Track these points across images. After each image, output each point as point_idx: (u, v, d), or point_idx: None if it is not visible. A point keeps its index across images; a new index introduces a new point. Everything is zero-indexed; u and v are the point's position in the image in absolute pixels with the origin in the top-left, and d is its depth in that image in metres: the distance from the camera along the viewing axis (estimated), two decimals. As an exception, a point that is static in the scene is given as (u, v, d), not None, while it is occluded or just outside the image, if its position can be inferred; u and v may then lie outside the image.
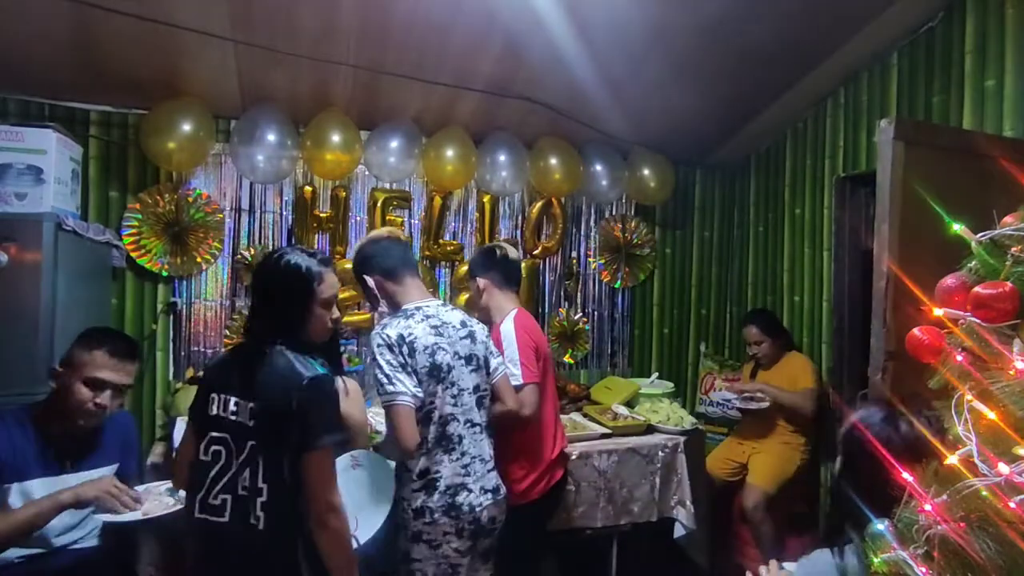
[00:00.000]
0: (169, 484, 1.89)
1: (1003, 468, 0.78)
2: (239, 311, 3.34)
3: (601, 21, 2.66)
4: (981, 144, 2.19)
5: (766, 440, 3.30)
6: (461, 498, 1.92)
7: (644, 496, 2.84)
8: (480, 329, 2.14)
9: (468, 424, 1.99)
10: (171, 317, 3.26)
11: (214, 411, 1.55)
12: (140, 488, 1.96)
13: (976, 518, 0.77)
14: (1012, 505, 0.75)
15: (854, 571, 1.21)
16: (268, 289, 1.63)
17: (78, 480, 1.85)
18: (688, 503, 2.89)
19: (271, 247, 3.37)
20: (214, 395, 1.56)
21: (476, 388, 2.04)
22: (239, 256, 3.31)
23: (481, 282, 2.42)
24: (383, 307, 2.12)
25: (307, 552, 1.50)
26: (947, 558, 0.77)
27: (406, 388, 1.85)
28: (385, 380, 1.85)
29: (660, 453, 2.87)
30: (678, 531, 2.91)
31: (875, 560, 0.88)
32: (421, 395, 1.87)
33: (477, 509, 1.94)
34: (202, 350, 3.31)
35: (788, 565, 1.42)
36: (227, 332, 3.33)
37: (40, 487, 1.80)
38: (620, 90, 3.15)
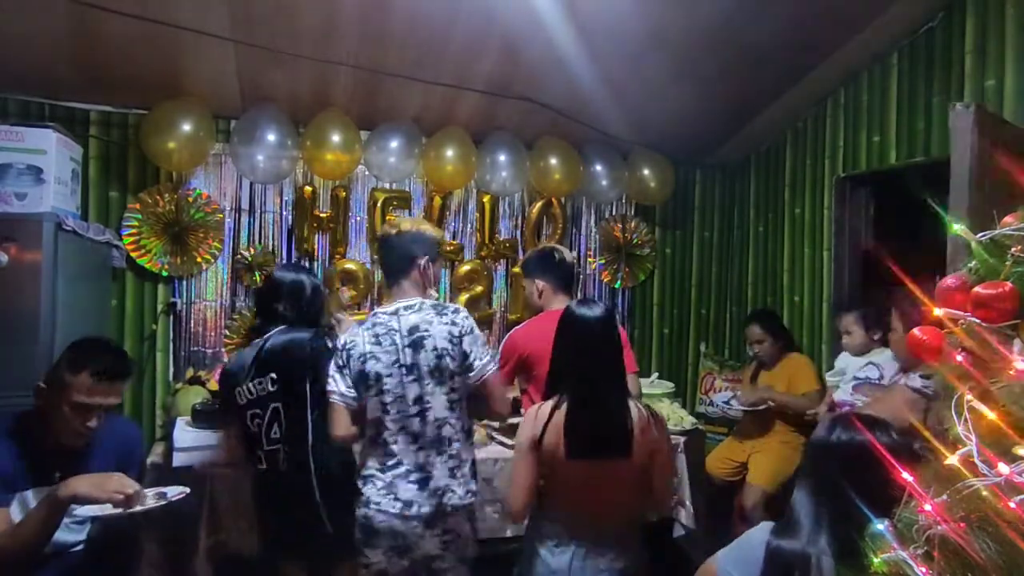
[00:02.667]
0: (159, 489, 1.82)
1: (1003, 468, 0.78)
2: (239, 311, 3.34)
3: (601, 21, 2.66)
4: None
5: (766, 440, 3.30)
6: None
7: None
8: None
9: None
10: (171, 317, 3.26)
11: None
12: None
13: (976, 518, 0.77)
14: (1012, 505, 0.75)
15: (787, 551, 1.32)
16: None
17: None
18: (688, 503, 2.89)
19: (271, 247, 3.38)
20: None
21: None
22: (239, 256, 3.31)
23: (540, 284, 2.54)
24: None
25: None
26: (947, 558, 0.77)
27: None
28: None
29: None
30: (678, 531, 2.90)
31: (875, 560, 0.88)
32: None
33: None
34: (202, 350, 3.30)
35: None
36: (227, 332, 3.32)
37: (35, 496, 1.74)
38: (620, 90, 3.15)
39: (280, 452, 2.03)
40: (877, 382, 2.83)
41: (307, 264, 3.44)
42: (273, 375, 2.04)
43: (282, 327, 2.10)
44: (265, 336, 2.09)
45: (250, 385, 2.06)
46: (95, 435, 1.84)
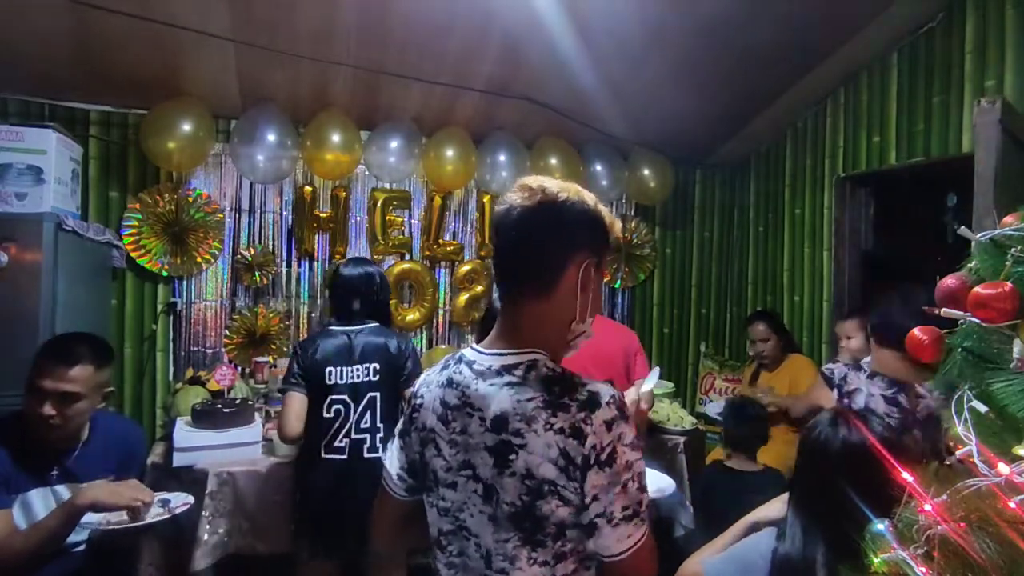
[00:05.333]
0: (161, 495, 1.81)
1: (1003, 468, 0.78)
2: (239, 311, 3.34)
3: (601, 21, 2.66)
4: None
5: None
6: None
7: (644, 496, 2.83)
8: None
9: None
10: (171, 317, 3.26)
11: None
12: None
13: (976, 518, 0.77)
14: (1012, 505, 0.75)
15: (783, 558, 1.29)
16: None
17: (69, 491, 1.75)
18: (688, 503, 2.89)
19: (271, 247, 3.38)
20: None
21: None
22: (239, 256, 3.31)
23: None
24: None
25: None
26: (947, 558, 0.77)
27: None
28: None
29: (660, 453, 2.87)
30: (678, 531, 2.90)
31: (875, 560, 0.88)
32: None
33: None
34: (202, 350, 3.30)
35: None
36: (227, 332, 3.32)
37: (36, 496, 1.74)
38: (620, 90, 3.15)
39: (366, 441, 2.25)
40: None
41: (307, 264, 3.45)
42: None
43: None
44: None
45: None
46: (89, 435, 1.84)
